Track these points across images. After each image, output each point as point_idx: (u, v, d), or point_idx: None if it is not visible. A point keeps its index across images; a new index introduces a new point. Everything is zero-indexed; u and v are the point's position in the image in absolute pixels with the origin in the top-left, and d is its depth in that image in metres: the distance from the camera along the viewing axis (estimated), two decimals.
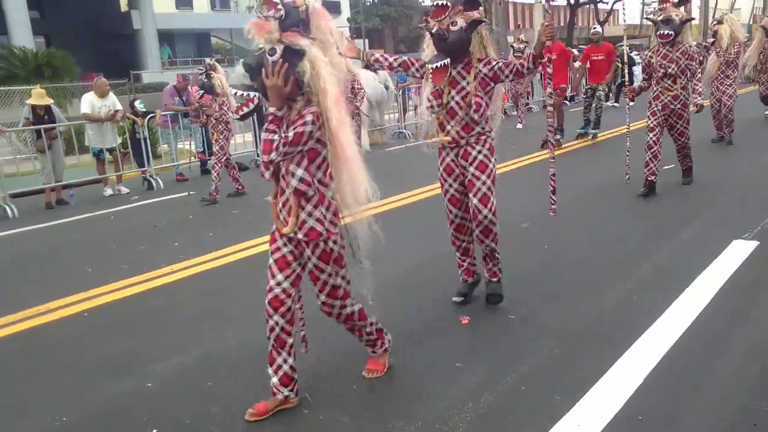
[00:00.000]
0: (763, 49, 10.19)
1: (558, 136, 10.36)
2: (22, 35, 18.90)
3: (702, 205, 6.14)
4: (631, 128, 6.97)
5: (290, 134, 2.56)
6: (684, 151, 6.79)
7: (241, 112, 2.71)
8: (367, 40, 46.32)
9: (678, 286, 3.97)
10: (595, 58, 11.01)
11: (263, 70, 2.58)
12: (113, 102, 9.52)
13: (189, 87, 10.72)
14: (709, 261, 4.41)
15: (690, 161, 6.91)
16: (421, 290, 4.33)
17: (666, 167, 7.33)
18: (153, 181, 9.81)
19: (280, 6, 2.56)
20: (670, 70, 6.22)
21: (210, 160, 10.92)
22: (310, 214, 2.68)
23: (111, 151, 9.66)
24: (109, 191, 9.50)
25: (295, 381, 2.88)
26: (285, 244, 2.77)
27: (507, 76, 3.70)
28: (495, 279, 4.00)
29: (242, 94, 2.67)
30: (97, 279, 5.08)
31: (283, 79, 2.55)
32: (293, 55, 2.54)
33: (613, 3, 52.56)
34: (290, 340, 2.83)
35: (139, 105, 10.25)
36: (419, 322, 3.77)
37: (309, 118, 2.56)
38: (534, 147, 10.16)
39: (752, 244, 4.72)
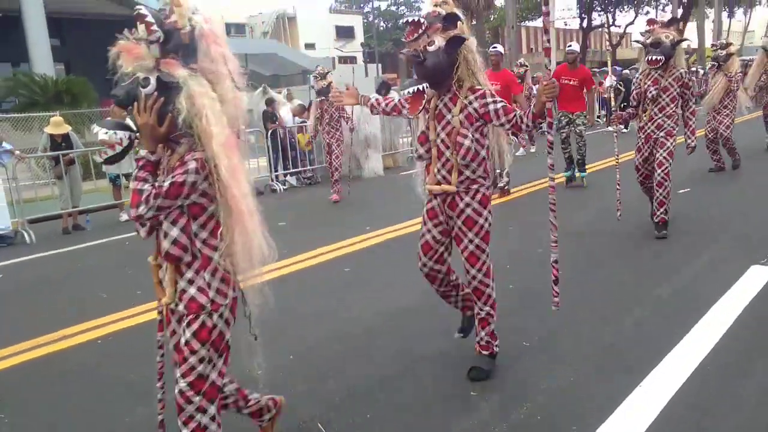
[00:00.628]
0: (764, 69, 9.98)
1: (502, 183, 8.62)
2: (43, 63, 19.20)
3: (717, 230, 6.07)
4: (620, 159, 6.46)
5: (166, 184, 2.11)
6: (662, 189, 5.75)
7: (104, 156, 2.33)
8: (380, 65, 46.79)
9: (695, 314, 3.93)
10: (566, 82, 8.70)
11: (135, 104, 2.16)
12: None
13: None
14: (727, 287, 4.36)
15: (666, 210, 5.82)
16: (434, 317, 4.30)
17: (681, 191, 7.30)
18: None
19: (154, 27, 2.13)
20: (650, 95, 5.68)
21: None
22: (191, 282, 2.25)
23: (127, 176, 9.76)
24: (124, 216, 9.58)
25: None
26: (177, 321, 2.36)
27: (503, 124, 3.19)
28: (486, 352, 3.36)
29: (106, 132, 2.25)
30: (112, 305, 5.10)
31: (156, 116, 2.13)
32: (169, 88, 2.12)
33: (626, 26, 52.82)
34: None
35: None
36: (432, 350, 3.75)
37: (192, 165, 2.12)
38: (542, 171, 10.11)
39: None
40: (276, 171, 11.75)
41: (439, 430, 2.84)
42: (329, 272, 5.72)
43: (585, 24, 49.97)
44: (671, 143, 5.70)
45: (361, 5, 58.66)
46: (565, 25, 41.11)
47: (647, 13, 51.35)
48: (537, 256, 5.59)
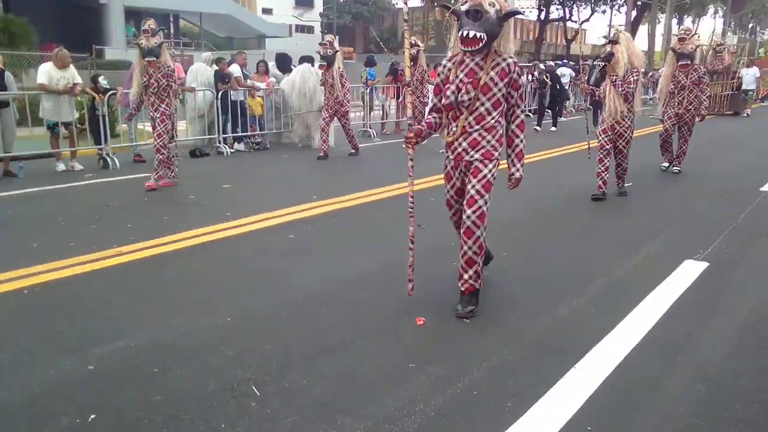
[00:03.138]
0: (673, 77, 8.74)
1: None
2: None
3: (654, 227, 6.25)
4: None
5: None
6: (471, 240, 5.64)
7: None
8: (337, 37, 46.23)
9: (630, 303, 4.03)
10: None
11: None
12: (73, 75, 9.20)
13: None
14: (661, 279, 4.49)
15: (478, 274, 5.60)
16: (383, 289, 4.28)
17: (627, 185, 7.51)
18: (109, 160, 9.52)
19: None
20: (452, 97, 5.18)
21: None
22: None
23: (67, 125, 9.34)
24: (61, 167, 9.19)
25: None
26: None
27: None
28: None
29: None
30: (42, 255, 4.88)
31: None
32: None
33: (582, 22, 53.73)
34: None
35: (102, 81, 9.97)
36: (377, 321, 3.73)
37: None
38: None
39: (703, 265, 4.83)
40: (225, 134, 11.47)
41: (373, 400, 2.82)
42: (273, 237, 5.62)
43: (543, 16, 50.60)
44: (488, 169, 3.79)
45: None
46: (523, 15, 41.55)
47: (604, 11, 52.43)
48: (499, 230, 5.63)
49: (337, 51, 10.73)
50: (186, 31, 40.64)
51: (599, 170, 7.23)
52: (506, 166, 3.83)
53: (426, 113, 11.85)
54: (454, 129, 3.79)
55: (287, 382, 2.98)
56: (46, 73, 9.02)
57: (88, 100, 9.74)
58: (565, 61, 25.70)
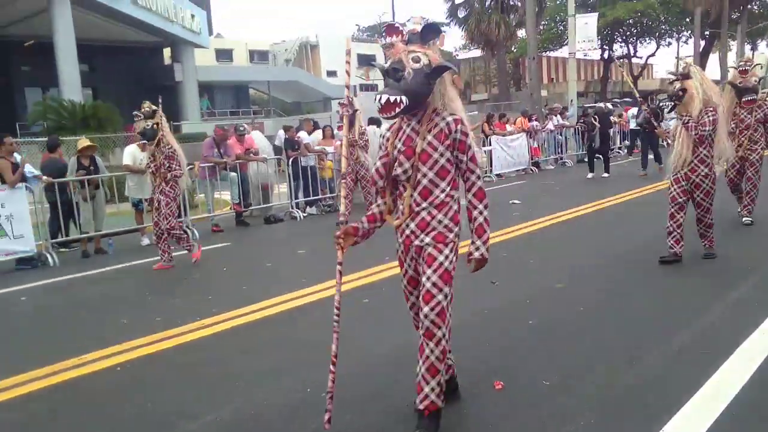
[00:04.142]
0: (733, 115, 7.56)
1: None
2: (72, 88, 19.72)
3: (741, 271, 5.98)
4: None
5: None
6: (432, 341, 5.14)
7: None
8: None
9: (722, 353, 3.85)
10: None
11: None
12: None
13: (228, 139, 11.03)
14: (754, 328, 4.28)
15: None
16: (456, 350, 4.25)
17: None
18: (189, 232, 9.97)
19: None
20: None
21: (245, 211, 11.18)
22: None
23: (149, 201, 9.88)
24: (146, 241, 9.69)
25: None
26: None
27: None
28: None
29: None
30: (132, 331, 5.13)
31: None
32: None
33: (648, 57, 52.85)
34: None
35: None
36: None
37: None
38: (565, 203, 10.10)
39: None
40: (296, 198, 11.82)
41: None
42: (347, 302, 5.70)
43: (606, 55, 50.08)
44: (444, 256, 3.13)
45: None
46: (585, 55, 41.29)
47: (669, 44, 51.46)
48: (557, 291, 5.55)
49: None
50: (255, 99, 42.56)
51: (670, 227, 6.15)
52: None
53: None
54: (401, 209, 3.16)
55: None
56: (131, 154, 9.67)
57: None
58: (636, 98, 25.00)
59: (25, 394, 4.05)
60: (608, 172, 14.50)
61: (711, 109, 5.87)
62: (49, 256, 8.54)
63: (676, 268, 6.01)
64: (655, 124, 8.15)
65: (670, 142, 6.45)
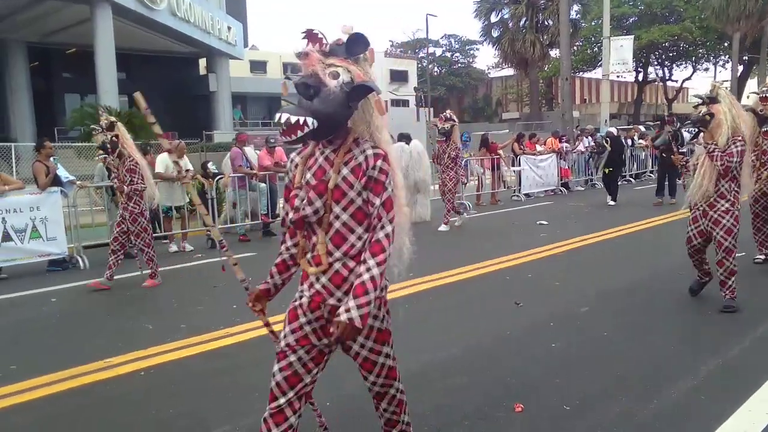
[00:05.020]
0: (755, 145, 6.77)
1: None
2: (110, 95, 20.17)
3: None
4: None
5: None
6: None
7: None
8: (432, 109, 47.30)
9: (744, 390, 3.77)
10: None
11: None
12: (185, 163, 9.97)
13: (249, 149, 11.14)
14: None
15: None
16: (473, 373, 4.24)
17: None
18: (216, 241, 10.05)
19: None
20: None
21: (273, 222, 11.27)
22: None
23: (179, 209, 10.04)
24: (174, 247, 9.83)
25: None
26: None
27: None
28: None
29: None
30: (157, 337, 5.21)
31: None
32: None
33: (683, 81, 52.23)
34: None
35: (211, 167, 10.70)
36: (471, 407, 3.69)
37: None
38: (588, 228, 9.99)
39: None
40: None
41: None
42: None
43: (640, 77, 49.65)
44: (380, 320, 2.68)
45: (416, 50, 59.66)
46: (619, 77, 40.96)
47: (707, 69, 50.80)
48: (581, 315, 5.49)
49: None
50: None
51: (695, 264, 5.75)
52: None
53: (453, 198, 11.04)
54: (310, 256, 2.54)
55: None
56: (162, 162, 9.84)
57: (197, 185, 10.45)
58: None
59: (50, 395, 4.13)
60: (615, 200, 13.57)
61: (739, 138, 5.23)
62: (79, 258, 8.70)
63: (702, 299, 5.89)
64: (675, 148, 7.63)
65: (687, 170, 5.90)
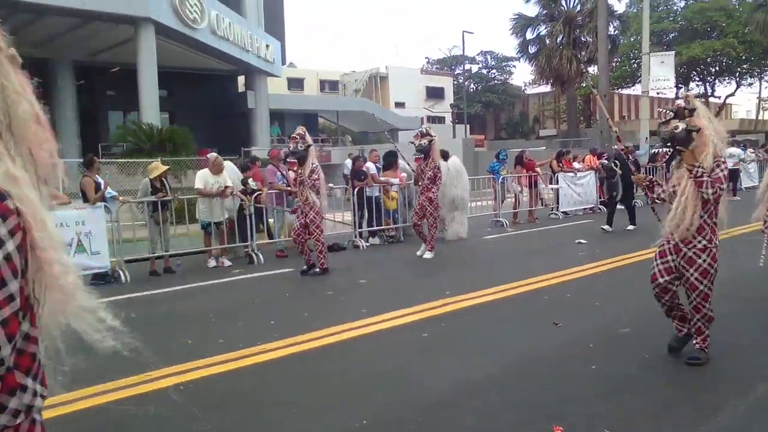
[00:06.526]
0: None
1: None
2: (151, 112, 20.66)
3: None
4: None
5: None
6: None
7: None
8: (468, 126, 47.25)
9: None
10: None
11: None
12: (225, 179, 10.12)
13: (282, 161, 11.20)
14: None
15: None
16: (509, 394, 4.19)
17: None
18: (254, 256, 10.19)
19: None
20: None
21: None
22: None
23: (218, 224, 10.18)
24: (213, 263, 9.97)
25: None
26: None
27: None
28: None
29: None
30: (195, 352, 5.26)
31: None
32: None
33: (726, 97, 51.21)
34: None
35: (251, 183, 10.84)
36: (508, 427, 3.64)
37: None
38: (632, 245, 9.82)
39: None
40: (360, 228, 11.93)
41: None
42: (407, 335, 5.70)
43: (680, 93, 48.72)
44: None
45: (452, 67, 59.79)
46: (658, 94, 40.25)
47: (750, 84, 49.74)
48: (621, 336, 5.39)
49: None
50: (324, 127, 43.41)
51: (666, 309, 4.77)
52: None
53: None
54: None
55: None
56: (202, 179, 10.01)
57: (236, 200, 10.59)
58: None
59: (93, 407, 4.20)
60: (634, 224, 12.56)
61: (722, 160, 4.41)
62: (121, 272, 8.89)
63: (746, 316, 5.74)
64: (632, 168, 6.68)
65: (652, 195, 4.83)
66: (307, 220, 8.70)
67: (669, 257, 4.52)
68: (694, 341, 4.61)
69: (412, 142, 10.24)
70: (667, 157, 4.15)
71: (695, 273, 4.40)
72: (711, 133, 4.33)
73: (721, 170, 4.30)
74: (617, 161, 12.14)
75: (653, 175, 4.89)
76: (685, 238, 4.39)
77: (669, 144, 4.38)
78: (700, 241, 4.37)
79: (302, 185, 8.57)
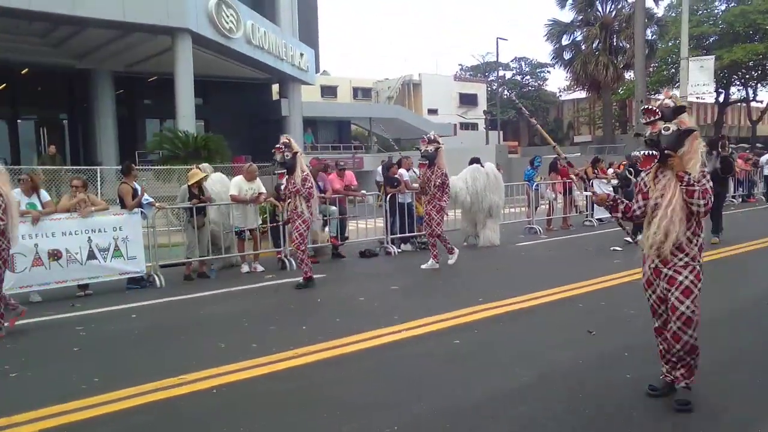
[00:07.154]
0: None
1: None
2: (187, 120, 20.96)
3: None
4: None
5: None
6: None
7: None
8: (501, 132, 46.97)
9: None
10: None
11: None
12: (259, 185, 10.25)
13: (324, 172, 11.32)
14: None
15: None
16: (549, 400, 4.13)
17: None
18: (287, 262, 10.26)
19: None
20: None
21: (342, 244, 11.40)
22: None
23: (252, 230, 10.29)
24: (246, 268, 10.07)
25: None
26: None
27: None
28: None
29: None
30: (229, 356, 5.32)
31: None
32: None
33: None
34: None
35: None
36: None
37: None
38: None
39: None
40: (392, 234, 11.92)
41: None
42: (439, 342, 5.66)
43: (722, 98, 47.80)
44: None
45: (486, 74, 59.56)
46: (697, 99, 39.35)
47: None
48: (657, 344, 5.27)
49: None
50: (357, 134, 43.58)
51: (660, 348, 4.23)
52: None
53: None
54: None
55: None
56: (237, 185, 10.14)
57: (269, 207, 10.69)
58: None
59: (127, 408, 4.27)
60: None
61: (706, 171, 3.91)
62: (156, 277, 9.03)
63: None
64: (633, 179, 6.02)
65: (631, 215, 4.30)
66: (293, 228, 8.54)
67: (655, 283, 4.09)
68: (678, 376, 4.03)
69: (418, 148, 9.87)
70: (656, 159, 3.79)
71: (676, 292, 3.91)
72: (700, 140, 3.91)
73: (708, 180, 3.83)
74: (631, 169, 11.53)
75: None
76: (665, 257, 3.92)
77: (655, 147, 3.86)
78: (681, 259, 3.90)
79: (297, 194, 8.40)
